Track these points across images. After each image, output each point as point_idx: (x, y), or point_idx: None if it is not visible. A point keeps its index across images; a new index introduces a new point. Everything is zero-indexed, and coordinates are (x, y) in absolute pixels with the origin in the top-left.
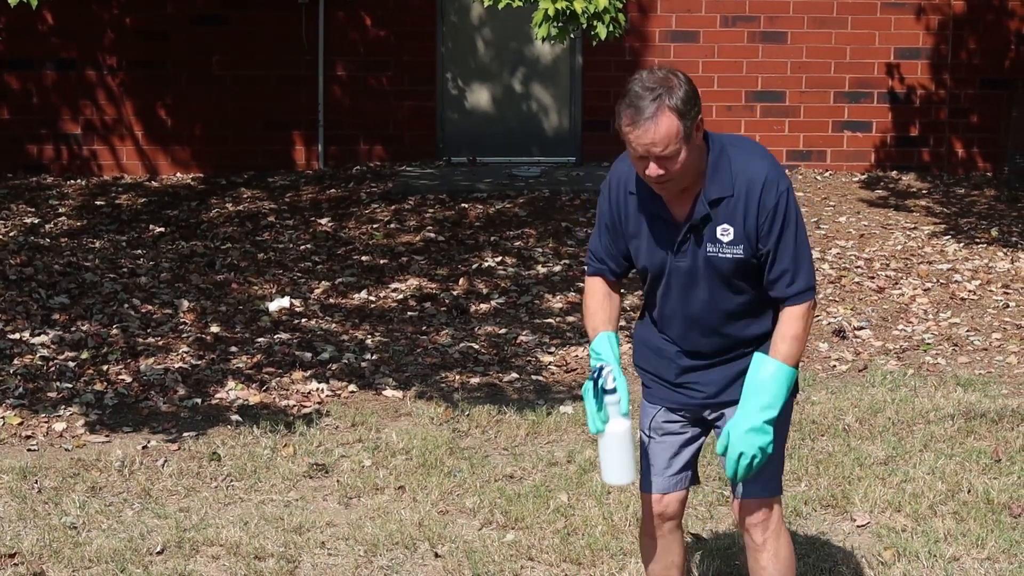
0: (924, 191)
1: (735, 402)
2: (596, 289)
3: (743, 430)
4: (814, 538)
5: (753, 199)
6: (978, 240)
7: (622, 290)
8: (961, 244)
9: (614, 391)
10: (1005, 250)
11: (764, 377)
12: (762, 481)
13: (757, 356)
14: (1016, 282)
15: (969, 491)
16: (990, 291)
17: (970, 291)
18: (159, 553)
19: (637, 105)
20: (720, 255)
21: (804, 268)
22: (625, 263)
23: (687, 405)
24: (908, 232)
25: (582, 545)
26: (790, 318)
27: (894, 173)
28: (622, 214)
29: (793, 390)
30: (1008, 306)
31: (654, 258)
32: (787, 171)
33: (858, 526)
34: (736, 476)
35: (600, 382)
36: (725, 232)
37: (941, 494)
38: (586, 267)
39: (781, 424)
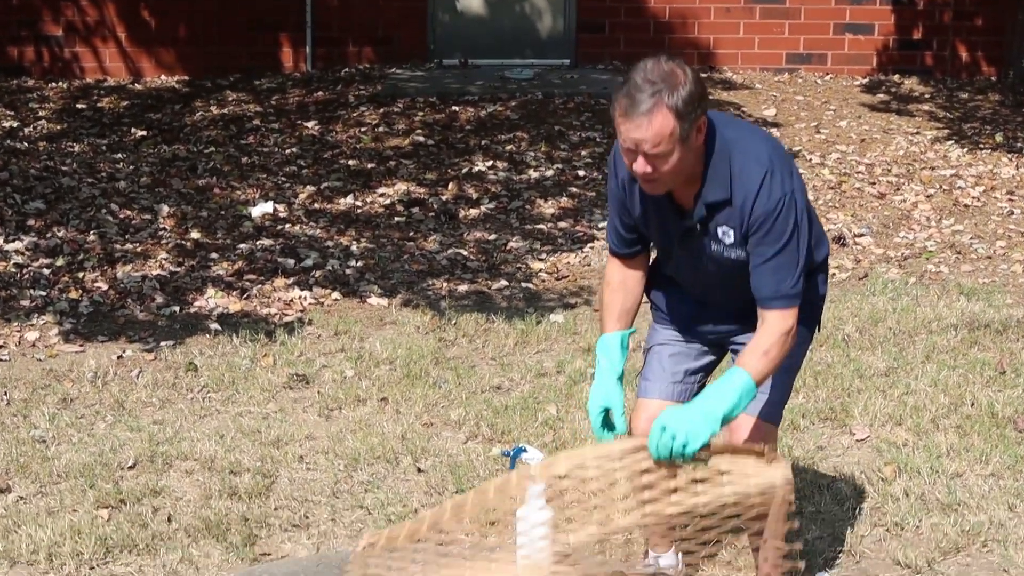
0: (927, 95)
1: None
2: (612, 275)
3: (680, 414)
4: (811, 452)
5: (747, 208)
6: (982, 146)
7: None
8: (965, 150)
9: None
10: (1010, 156)
11: (727, 388)
12: (760, 403)
13: (734, 367)
14: (1021, 188)
15: (973, 404)
16: (994, 198)
17: (974, 198)
18: (131, 467)
19: (633, 96)
20: (724, 254)
21: (787, 276)
22: (640, 237)
23: (702, 336)
24: (910, 137)
25: None
26: (766, 329)
27: (896, 77)
28: (627, 192)
29: (815, 325)
30: (1013, 213)
31: (662, 239)
32: (790, 134)
33: (857, 440)
34: (654, 450)
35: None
36: (726, 234)
37: (943, 407)
38: (608, 246)
39: (793, 357)
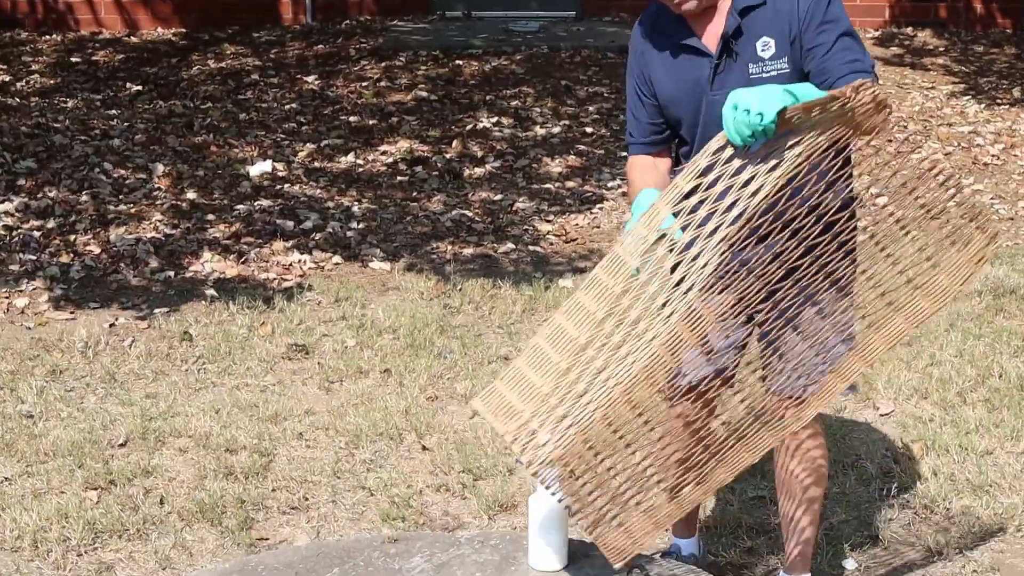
0: (941, 48)
1: None
2: (636, 163)
3: (747, 90)
4: (834, 429)
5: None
6: (1000, 101)
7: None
8: (982, 105)
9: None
10: None
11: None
12: (806, 375)
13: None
14: None
15: (1000, 376)
16: (1015, 155)
17: (993, 155)
18: (122, 445)
19: None
20: (764, 75)
21: (857, 54)
22: (663, 127)
23: None
24: (925, 92)
25: None
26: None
27: (909, 30)
28: (647, 65)
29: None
30: None
31: (687, 103)
32: None
33: (881, 415)
34: (732, 134)
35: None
36: (765, 47)
37: (970, 379)
38: (626, 145)
39: None
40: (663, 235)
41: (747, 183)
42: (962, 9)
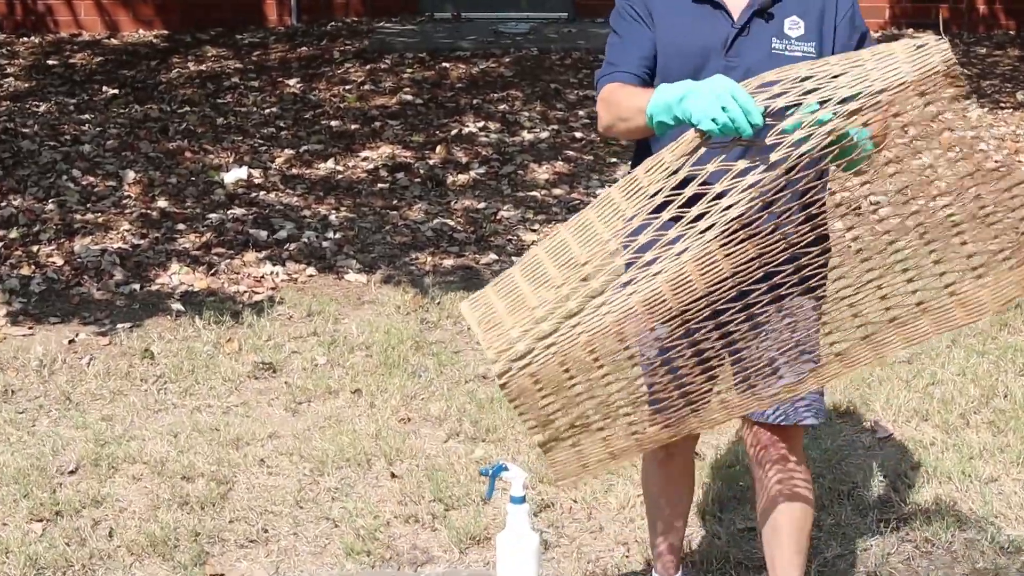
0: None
1: None
2: (618, 85)
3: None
4: (829, 454)
5: None
6: (1003, 104)
7: None
8: (985, 109)
9: (523, 500)
10: None
11: None
12: (786, 406)
13: None
14: None
15: (1006, 396)
16: (1019, 161)
17: (997, 162)
18: (71, 472)
19: None
20: (787, 53)
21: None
22: (650, 70)
23: None
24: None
25: None
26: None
27: (910, 31)
28: (655, 6)
29: None
30: None
31: (688, 61)
32: None
33: (880, 439)
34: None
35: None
36: (794, 25)
37: (974, 400)
38: (597, 85)
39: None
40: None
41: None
42: (964, 10)
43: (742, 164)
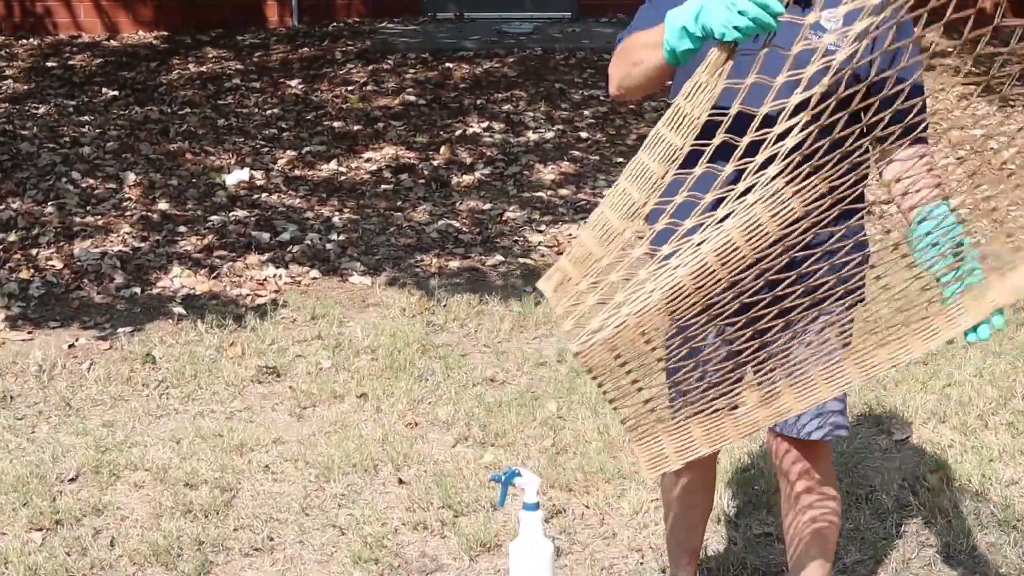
0: (949, 48)
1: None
2: (629, 37)
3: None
4: (846, 457)
5: None
6: (1013, 103)
7: None
8: (995, 107)
9: (536, 506)
10: None
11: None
12: (816, 416)
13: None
14: None
15: None
16: None
17: (1007, 160)
18: (72, 480)
19: None
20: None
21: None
22: None
23: None
24: (935, 94)
25: (573, 467)
26: (929, 165)
27: (916, 29)
28: None
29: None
30: None
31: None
32: None
33: (897, 441)
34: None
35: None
36: (833, 20)
37: (992, 401)
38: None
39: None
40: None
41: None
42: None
43: (781, 80)
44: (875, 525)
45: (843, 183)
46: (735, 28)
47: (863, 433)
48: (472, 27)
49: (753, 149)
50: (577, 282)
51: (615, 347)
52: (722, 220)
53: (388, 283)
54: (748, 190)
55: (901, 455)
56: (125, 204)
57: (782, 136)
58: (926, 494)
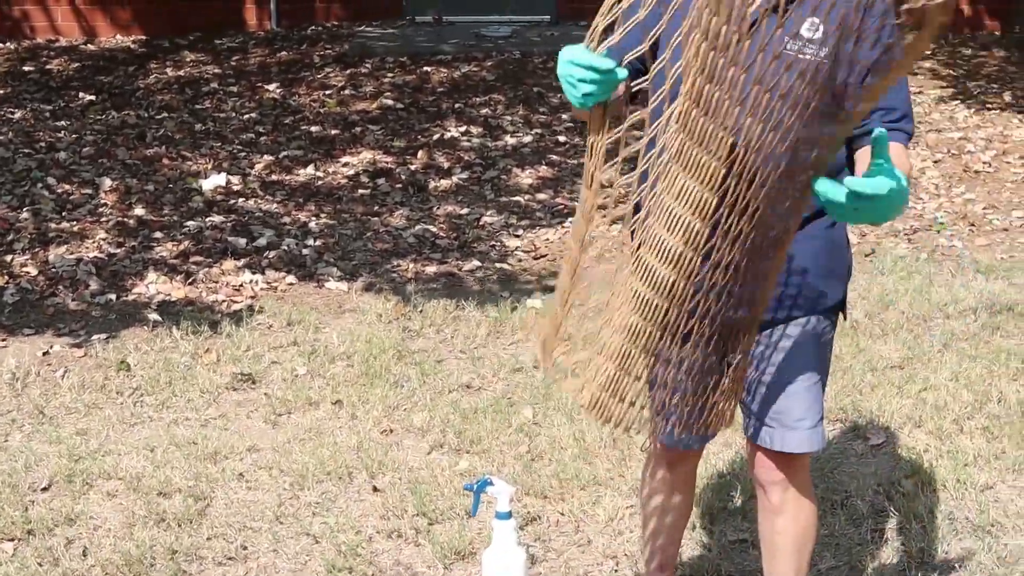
0: (928, 52)
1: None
2: None
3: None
4: (821, 463)
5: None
6: (990, 106)
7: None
8: (972, 110)
9: (509, 515)
10: (1020, 116)
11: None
12: (794, 429)
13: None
14: None
15: (1000, 401)
16: (1007, 163)
17: (985, 163)
18: (44, 489)
19: None
20: (800, 56)
21: (910, 111)
22: (639, 64)
23: None
24: (912, 96)
25: (548, 474)
26: (896, 153)
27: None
28: None
29: (839, 312)
30: None
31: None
32: None
33: (872, 446)
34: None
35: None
36: (812, 27)
37: (967, 405)
38: None
39: (823, 361)
40: None
41: None
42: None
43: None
44: (850, 531)
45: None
46: (583, 96)
47: (839, 438)
48: (450, 31)
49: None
50: (555, 334)
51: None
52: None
53: (364, 289)
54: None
55: (876, 460)
56: (101, 210)
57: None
58: (901, 499)
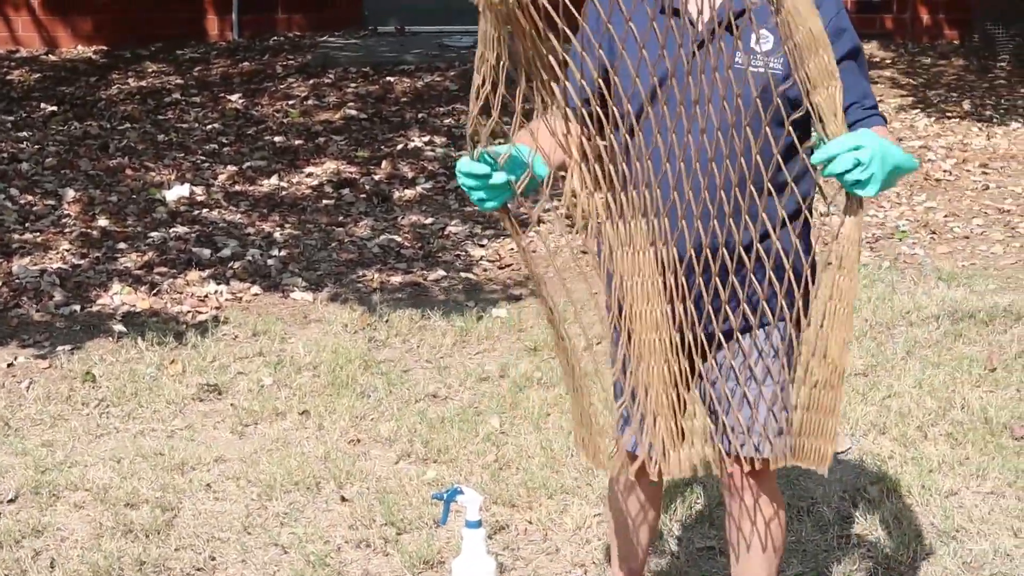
0: (888, 60)
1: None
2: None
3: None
4: (787, 470)
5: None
6: (949, 114)
7: None
8: (932, 119)
9: (479, 524)
10: (980, 125)
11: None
12: (761, 435)
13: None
14: (995, 160)
15: (963, 407)
16: (967, 171)
17: (945, 171)
18: (11, 501)
19: None
20: (752, 69)
21: (869, 86)
22: (589, 94)
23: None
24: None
25: (516, 483)
26: (882, 134)
27: None
28: (607, 24)
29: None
30: (988, 187)
31: (645, 77)
32: None
33: (837, 453)
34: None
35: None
36: (764, 40)
37: (931, 412)
38: None
39: (788, 368)
40: None
41: None
42: (909, 20)
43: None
44: (816, 537)
45: None
46: (478, 202)
47: None
48: (414, 40)
49: None
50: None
51: None
52: None
53: (330, 299)
54: None
55: (842, 467)
56: (64, 221)
57: None
58: (867, 506)
